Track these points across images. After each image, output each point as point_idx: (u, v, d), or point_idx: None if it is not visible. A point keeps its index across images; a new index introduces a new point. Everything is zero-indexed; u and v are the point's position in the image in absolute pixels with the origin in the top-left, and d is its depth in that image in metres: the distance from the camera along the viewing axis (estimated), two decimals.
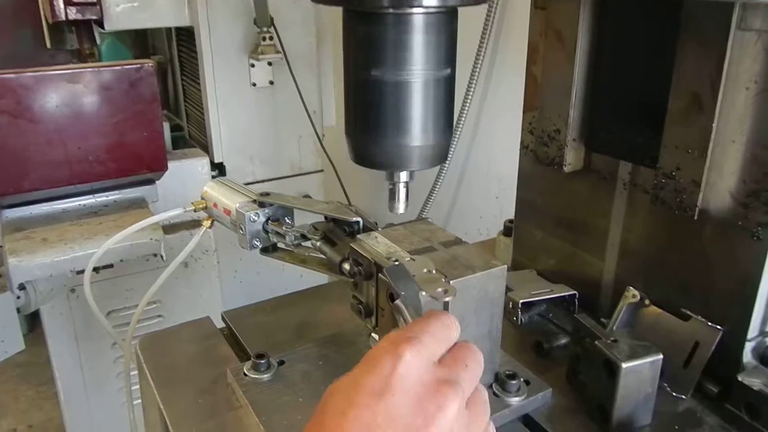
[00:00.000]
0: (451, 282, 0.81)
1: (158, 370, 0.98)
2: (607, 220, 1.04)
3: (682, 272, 0.94)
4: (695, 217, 0.87)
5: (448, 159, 2.33)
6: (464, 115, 2.24)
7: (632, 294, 1.00)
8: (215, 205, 1.17)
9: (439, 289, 0.77)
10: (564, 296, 1.12)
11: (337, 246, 1.00)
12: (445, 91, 0.76)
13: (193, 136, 2.64)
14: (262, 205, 1.10)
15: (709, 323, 0.90)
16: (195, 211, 1.26)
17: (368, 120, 0.74)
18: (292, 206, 1.07)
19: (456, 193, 2.68)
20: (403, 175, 0.78)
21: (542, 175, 1.13)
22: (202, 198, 1.23)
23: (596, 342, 0.86)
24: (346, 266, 0.95)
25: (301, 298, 1.19)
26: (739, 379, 0.85)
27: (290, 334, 1.07)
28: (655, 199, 0.91)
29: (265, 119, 2.44)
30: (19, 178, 1.58)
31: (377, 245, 0.91)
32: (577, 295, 1.11)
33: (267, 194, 1.11)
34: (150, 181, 1.86)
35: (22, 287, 1.72)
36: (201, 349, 1.04)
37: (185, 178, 2.18)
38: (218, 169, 2.42)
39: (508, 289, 1.15)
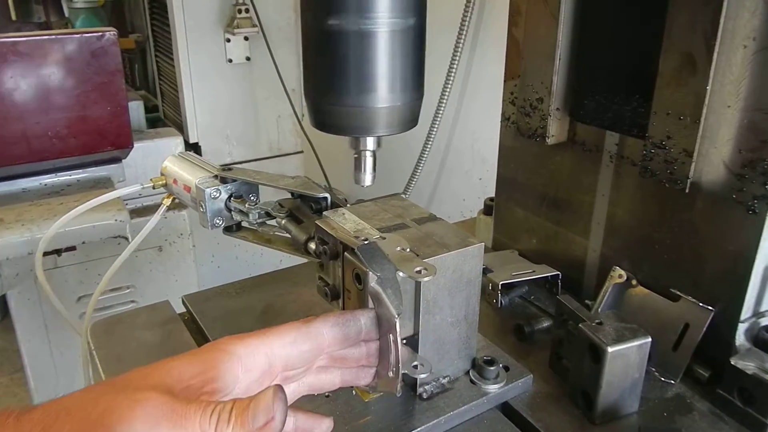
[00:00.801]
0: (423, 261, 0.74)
1: (108, 359, 0.91)
2: (593, 196, 0.98)
3: (672, 250, 0.88)
4: (686, 190, 0.81)
5: (431, 140, 2.27)
6: (447, 93, 2.17)
7: (618, 274, 0.94)
8: (175, 181, 1.09)
9: (418, 268, 0.70)
10: (546, 277, 1.06)
11: (303, 224, 0.93)
12: (415, 43, 0.67)
13: (168, 116, 2.55)
14: (223, 180, 1.02)
15: (700, 304, 0.84)
16: (154, 188, 1.18)
17: (327, 78, 0.66)
18: (255, 182, 0.99)
19: (439, 174, 2.61)
20: (370, 142, 0.71)
21: (524, 148, 1.06)
22: (162, 174, 1.15)
23: (580, 325, 0.80)
24: (312, 246, 0.88)
25: (270, 281, 1.11)
26: (732, 362, 0.79)
27: (255, 320, 1.00)
28: (644, 171, 0.85)
29: (242, 97, 2.36)
30: None
31: (344, 222, 0.83)
32: (560, 276, 1.05)
33: (229, 169, 1.03)
34: (116, 160, 1.77)
35: None
36: (157, 335, 0.97)
37: (157, 159, 2.09)
38: (193, 149, 2.33)
39: (487, 270, 1.08)
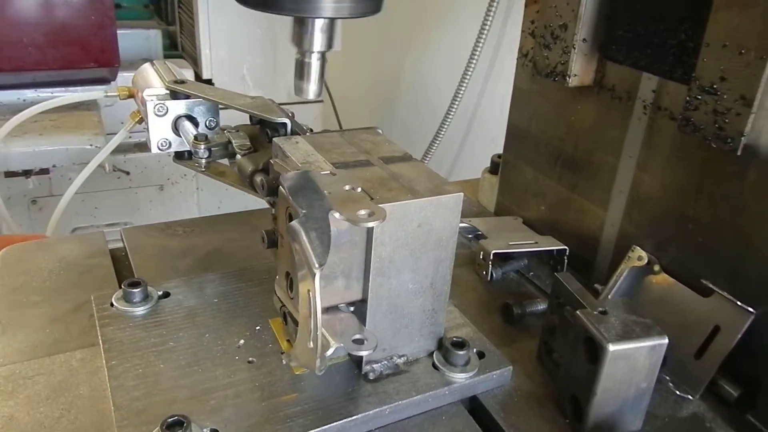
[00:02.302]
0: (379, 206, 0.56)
1: (8, 287, 0.76)
2: (617, 156, 0.78)
3: (709, 231, 0.69)
4: (738, 152, 0.62)
5: (456, 102, 2.07)
6: (477, 54, 1.96)
7: (638, 255, 0.76)
8: (138, 92, 0.93)
9: (362, 211, 0.53)
10: (551, 251, 0.88)
11: (254, 154, 0.76)
12: None
13: (185, 50, 2.40)
14: (175, 96, 0.86)
15: (738, 302, 0.65)
16: (120, 98, 1.03)
17: None
18: (206, 98, 0.82)
19: (463, 140, 2.41)
20: (317, 36, 0.53)
21: (540, 92, 0.87)
22: (132, 84, 0.99)
23: (578, 312, 0.62)
24: (258, 179, 0.71)
25: (226, 222, 0.95)
26: None
27: (194, 263, 0.84)
28: (684, 125, 0.65)
29: (262, 36, 2.20)
30: None
31: (295, 152, 0.66)
32: (567, 251, 0.86)
33: (182, 82, 0.86)
34: (104, 81, 1.62)
35: None
36: (77, 267, 0.81)
37: (179, 76, 1.96)
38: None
39: (481, 236, 0.91)
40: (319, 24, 0.52)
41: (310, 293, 0.49)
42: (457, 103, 2.09)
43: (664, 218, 0.74)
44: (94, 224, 2.22)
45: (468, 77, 2.02)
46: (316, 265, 0.48)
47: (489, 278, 0.85)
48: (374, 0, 0.52)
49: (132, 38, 2.09)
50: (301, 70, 0.55)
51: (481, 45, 1.94)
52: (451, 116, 2.12)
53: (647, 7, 0.70)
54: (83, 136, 1.44)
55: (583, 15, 0.73)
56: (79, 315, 0.73)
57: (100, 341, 0.66)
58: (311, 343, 0.51)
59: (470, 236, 0.95)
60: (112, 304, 0.71)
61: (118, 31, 1.65)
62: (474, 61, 1.96)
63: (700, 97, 0.63)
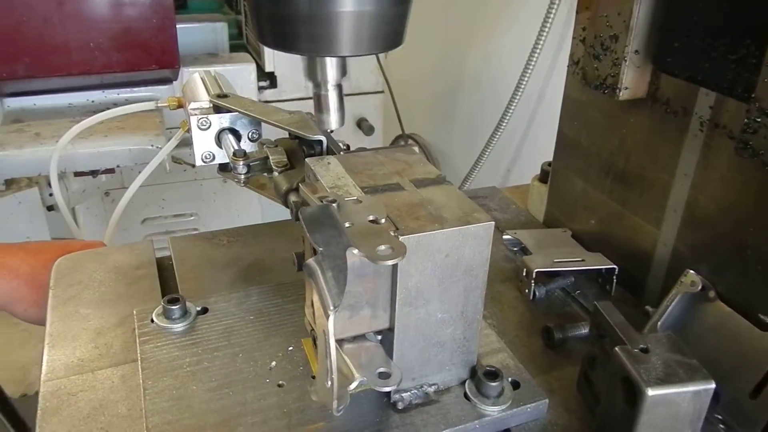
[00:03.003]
0: (401, 238, 0.55)
1: (61, 298, 0.80)
2: (671, 174, 0.73)
3: None
4: None
5: (518, 95, 2.01)
6: (542, 40, 1.89)
7: (691, 280, 0.71)
8: (186, 103, 0.95)
9: (382, 247, 0.52)
10: (599, 270, 0.83)
11: (290, 171, 0.76)
12: None
13: (250, 42, 2.42)
14: (218, 109, 0.86)
15: None
16: (170, 108, 1.05)
17: None
18: (245, 113, 0.82)
19: (526, 129, 2.34)
20: (330, 69, 0.51)
21: (591, 103, 0.82)
22: (182, 94, 1.01)
23: (617, 349, 0.59)
24: (292, 199, 0.71)
25: (269, 231, 0.96)
26: None
27: (236, 275, 0.85)
28: (742, 148, 0.60)
29: None
30: (12, 61, 1.41)
31: (325, 174, 0.65)
32: (616, 271, 0.82)
33: (225, 96, 0.87)
34: (166, 81, 1.67)
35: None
36: (124, 278, 0.84)
37: (226, 87, 2.00)
38: (269, 79, 2.21)
39: (526, 251, 0.87)
40: (333, 60, 0.50)
41: (326, 335, 0.48)
42: (521, 91, 2.02)
43: (720, 242, 0.69)
44: (162, 215, 2.30)
45: (532, 64, 1.95)
46: (331, 307, 0.47)
47: (532, 297, 0.82)
48: (393, 35, 0.50)
49: (198, 32, 2.12)
50: (319, 104, 0.54)
51: (546, 31, 1.87)
52: (514, 105, 2.06)
53: (705, 18, 0.64)
54: (145, 137, 1.48)
55: (635, 26, 0.68)
56: (123, 329, 0.75)
57: (139, 359, 0.68)
58: (328, 383, 0.50)
59: (515, 249, 0.92)
60: (152, 320, 0.73)
61: (184, 26, 1.68)
62: (539, 48, 1.89)
63: (759, 120, 0.58)
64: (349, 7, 0.45)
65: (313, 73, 0.51)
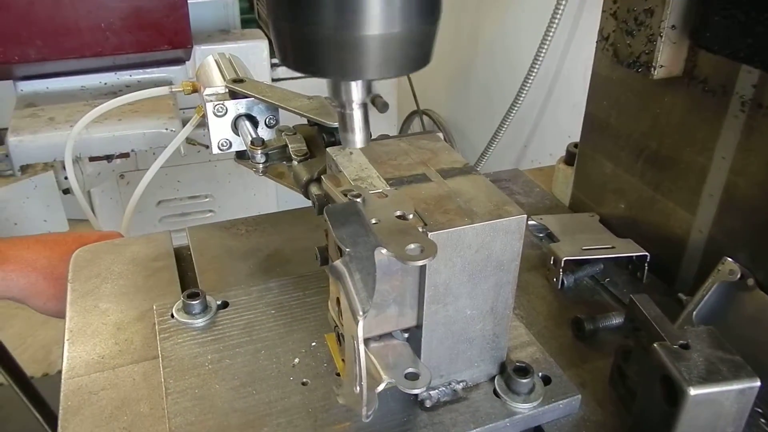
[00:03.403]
0: (430, 234, 0.52)
1: (79, 292, 0.78)
2: (709, 156, 0.70)
3: None
4: None
5: (535, 68, 1.95)
6: (560, 11, 1.83)
7: (729, 268, 0.68)
8: (201, 88, 0.92)
9: (411, 246, 0.49)
10: (630, 257, 0.81)
11: (310, 160, 0.74)
12: None
13: (261, 17, 2.37)
14: (234, 95, 0.84)
15: None
16: (185, 93, 1.03)
17: None
18: (263, 99, 0.80)
19: (544, 105, 2.29)
20: (355, 89, 0.48)
21: (622, 81, 0.78)
22: (196, 78, 0.99)
23: (655, 345, 0.56)
24: (313, 191, 0.69)
25: (288, 219, 0.94)
26: None
27: (255, 266, 0.84)
28: None
29: None
30: (24, 44, 1.39)
31: (348, 165, 0.63)
32: (648, 258, 0.79)
33: (241, 81, 0.84)
34: (179, 61, 1.64)
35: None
36: (143, 270, 0.83)
37: (241, 70, 1.97)
38: None
39: (552, 237, 0.85)
40: (359, 81, 0.48)
41: (354, 341, 0.46)
42: (538, 64, 1.97)
43: (760, 228, 0.66)
44: (177, 197, 2.30)
45: (550, 37, 1.89)
46: (361, 313, 0.45)
47: (560, 286, 0.79)
48: (421, 55, 0.46)
49: (209, 8, 2.08)
50: (344, 123, 0.51)
51: (564, 1, 1.81)
52: (531, 78, 2.00)
53: None
54: (159, 120, 1.46)
55: None
56: (143, 324, 0.74)
57: (160, 357, 0.66)
58: (357, 388, 0.48)
59: (541, 235, 0.89)
60: (172, 315, 0.71)
61: (195, 1, 1.64)
62: (557, 19, 1.84)
63: None
64: (376, 30, 0.42)
65: (338, 94, 0.49)
